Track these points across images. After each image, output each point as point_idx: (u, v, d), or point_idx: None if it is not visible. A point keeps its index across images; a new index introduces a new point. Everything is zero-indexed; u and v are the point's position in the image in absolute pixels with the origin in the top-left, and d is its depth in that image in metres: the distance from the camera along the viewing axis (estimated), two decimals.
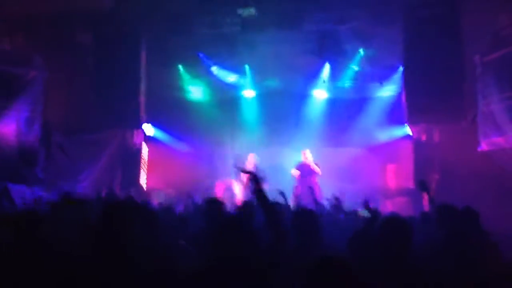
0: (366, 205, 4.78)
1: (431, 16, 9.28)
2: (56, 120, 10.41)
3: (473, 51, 8.65)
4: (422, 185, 5.26)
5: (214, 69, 11.99)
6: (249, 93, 12.60)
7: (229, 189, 11.34)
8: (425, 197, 7.81)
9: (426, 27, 9.32)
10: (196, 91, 12.39)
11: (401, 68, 10.23)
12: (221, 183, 11.59)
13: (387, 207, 10.15)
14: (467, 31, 9.02)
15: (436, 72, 9.06)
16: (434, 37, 9.18)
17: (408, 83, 9.74)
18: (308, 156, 10.85)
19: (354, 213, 6.92)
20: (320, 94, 12.20)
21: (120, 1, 9.53)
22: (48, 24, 9.52)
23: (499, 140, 7.66)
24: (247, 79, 12.25)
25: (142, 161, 11.76)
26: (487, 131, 7.93)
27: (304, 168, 10.71)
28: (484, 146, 8.00)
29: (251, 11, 8.99)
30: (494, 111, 7.72)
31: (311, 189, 8.01)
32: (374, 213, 4.93)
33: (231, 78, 12.28)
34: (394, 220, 3.38)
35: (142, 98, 10.96)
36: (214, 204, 4.91)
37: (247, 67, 11.92)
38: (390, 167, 11.25)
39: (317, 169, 10.58)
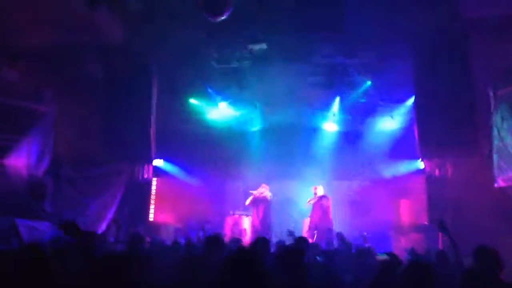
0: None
1: (441, 48, 9.24)
2: (66, 153, 10.37)
3: (485, 83, 8.55)
4: (441, 225, 5.10)
5: (223, 105, 11.97)
6: (258, 127, 12.58)
7: (237, 225, 11.19)
8: (444, 237, 7.65)
9: (436, 60, 9.28)
10: (206, 125, 12.34)
11: (411, 101, 10.12)
12: (231, 218, 11.45)
13: (401, 243, 9.93)
14: (477, 63, 8.94)
15: (447, 105, 8.97)
16: (445, 69, 9.13)
17: (419, 117, 9.65)
18: (319, 192, 10.72)
19: (368, 250, 6.74)
20: (329, 127, 12.15)
21: (131, 34, 9.60)
22: (58, 56, 9.57)
23: None
24: (257, 113, 12.21)
25: (151, 195, 11.67)
26: (503, 166, 7.75)
27: (316, 205, 10.59)
28: (500, 182, 7.81)
29: (262, 45, 9.01)
30: (510, 146, 7.56)
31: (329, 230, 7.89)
32: (395, 259, 4.78)
33: (239, 112, 12.25)
34: (418, 267, 3.22)
35: (153, 131, 10.92)
36: (214, 241, 4.87)
37: (256, 103, 11.90)
38: (403, 202, 11.05)
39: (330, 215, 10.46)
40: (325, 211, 10.35)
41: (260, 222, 11.05)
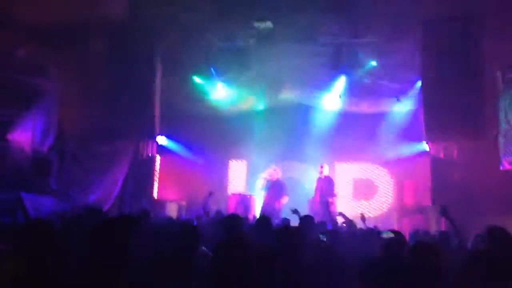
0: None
1: (450, 32, 9.15)
2: (71, 130, 10.39)
3: (494, 67, 8.47)
4: (443, 211, 5.11)
5: (224, 84, 11.86)
6: (262, 107, 12.50)
7: (242, 203, 11.21)
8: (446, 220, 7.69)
9: (445, 42, 9.19)
10: (209, 104, 12.27)
11: (418, 83, 10.03)
12: (235, 196, 11.49)
13: (404, 224, 9.98)
14: (486, 47, 8.86)
15: (455, 88, 8.90)
16: (453, 52, 9.05)
17: (426, 99, 9.57)
18: (325, 171, 10.67)
19: (371, 231, 6.76)
20: (335, 108, 12.05)
21: (135, 11, 9.52)
22: (63, 33, 9.52)
23: None
24: (261, 93, 12.13)
25: (155, 172, 11.70)
26: (510, 149, 7.73)
27: (321, 184, 10.53)
28: (506, 165, 7.81)
29: (268, 24, 8.91)
30: None
31: (326, 205, 7.86)
32: (400, 236, 4.79)
33: (242, 92, 12.17)
34: (424, 246, 3.22)
35: (157, 109, 10.90)
36: (235, 220, 4.91)
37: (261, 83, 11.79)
38: (407, 184, 11.06)
39: (334, 190, 10.42)
40: (329, 190, 10.32)
41: (274, 206, 10.87)
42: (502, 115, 7.93)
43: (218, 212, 8.65)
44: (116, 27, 10.19)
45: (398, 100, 10.91)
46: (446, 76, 9.03)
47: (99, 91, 10.73)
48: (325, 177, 10.55)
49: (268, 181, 10.99)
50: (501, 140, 7.94)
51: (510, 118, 7.72)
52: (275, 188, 10.75)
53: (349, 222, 7.44)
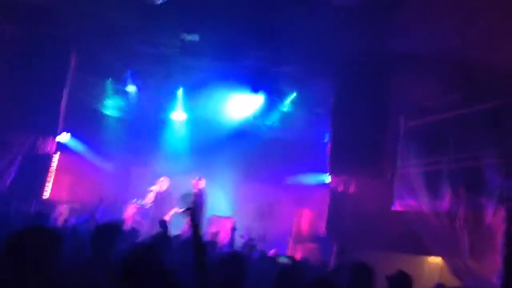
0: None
1: (363, 74, 9.71)
2: None
3: (397, 113, 9.15)
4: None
5: (132, 88, 11.54)
6: (178, 116, 12.33)
7: (140, 214, 10.89)
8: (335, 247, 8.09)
9: (357, 83, 9.75)
10: (120, 108, 11.86)
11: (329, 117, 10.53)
12: (133, 206, 11.12)
13: (298, 250, 10.31)
14: (394, 93, 9.56)
15: (361, 127, 9.45)
16: (363, 94, 9.61)
17: (333, 134, 10.05)
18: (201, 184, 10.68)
19: (268, 256, 6.89)
20: (248, 130, 12.24)
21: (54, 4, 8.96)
22: None
23: (412, 202, 8.08)
24: (178, 102, 11.97)
25: (50, 170, 10.95)
26: (402, 192, 8.34)
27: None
28: (397, 206, 8.40)
29: (194, 37, 8.85)
30: (411, 175, 8.16)
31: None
32: (294, 262, 4.92)
33: (159, 99, 11.93)
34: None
35: (63, 105, 10.24)
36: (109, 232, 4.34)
37: (181, 90, 11.64)
38: (306, 212, 11.45)
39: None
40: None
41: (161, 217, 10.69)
42: (399, 160, 8.57)
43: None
44: (32, 11, 9.46)
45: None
46: (354, 115, 9.54)
47: (3, 77, 9.84)
48: (199, 190, 10.54)
49: (157, 192, 10.88)
50: (396, 182, 8.55)
51: (406, 164, 8.36)
52: (163, 200, 10.63)
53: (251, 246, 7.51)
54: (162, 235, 5.32)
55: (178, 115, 12.34)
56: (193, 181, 10.59)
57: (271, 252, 7.15)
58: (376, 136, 9.31)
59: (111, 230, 4.31)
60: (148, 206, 10.96)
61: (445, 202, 7.18)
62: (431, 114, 7.97)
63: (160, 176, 11.27)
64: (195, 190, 10.44)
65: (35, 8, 8.90)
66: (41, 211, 7.71)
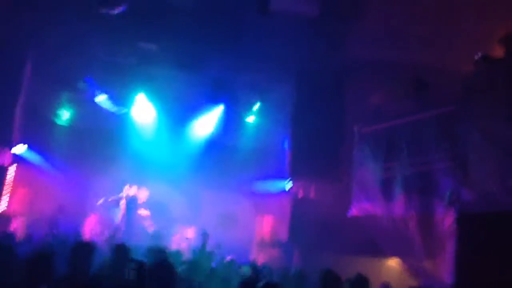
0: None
1: (320, 82, 9.96)
2: None
3: (353, 120, 9.40)
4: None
5: (101, 97, 11.42)
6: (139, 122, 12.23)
7: (101, 223, 10.74)
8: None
9: (315, 91, 9.97)
10: (77, 117, 11.67)
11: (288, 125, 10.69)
12: (94, 216, 10.96)
13: (260, 256, 10.38)
14: (350, 100, 9.84)
15: (319, 134, 9.67)
16: (321, 101, 9.84)
17: (292, 140, 10.24)
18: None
19: (230, 264, 6.93)
20: (208, 137, 12.27)
21: (7, 9, 8.75)
22: None
23: (368, 206, 8.30)
24: (138, 109, 11.86)
25: (6, 182, 10.61)
26: (359, 196, 8.55)
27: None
28: (354, 210, 8.61)
29: (152, 46, 8.84)
30: (366, 179, 8.38)
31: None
32: (257, 272, 4.99)
33: (116, 107, 11.81)
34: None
35: (18, 116, 9.97)
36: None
37: (143, 95, 11.55)
38: (267, 218, 11.55)
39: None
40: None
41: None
42: (356, 165, 8.78)
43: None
44: None
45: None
46: (312, 121, 9.73)
47: None
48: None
49: (120, 199, 10.80)
50: (353, 187, 8.76)
51: (362, 169, 8.58)
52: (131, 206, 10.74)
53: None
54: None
55: (139, 121, 12.23)
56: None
57: (228, 258, 7.18)
58: (333, 142, 9.56)
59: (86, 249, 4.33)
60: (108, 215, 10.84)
61: (399, 205, 7.42)
62: (385, 120, 8.22)
63: (120, 185, 11.16)
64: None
65: None
66: None
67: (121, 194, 10.99)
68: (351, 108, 9.58)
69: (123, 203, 10.89)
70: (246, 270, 5.40)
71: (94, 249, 4.41)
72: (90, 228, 10.73)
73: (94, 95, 11.37)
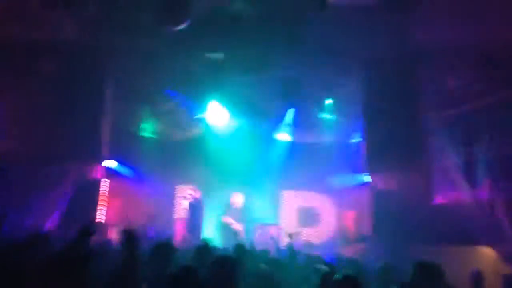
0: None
1: (392, 69, 9.67)
2: (11, 150, 10.02)
3: (429, 106, 9.05)
4: None
5: (179, 108, 11.95)
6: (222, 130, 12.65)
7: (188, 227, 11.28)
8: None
9: (387, 79, 9.70)
10: (159, 129, 12.30)
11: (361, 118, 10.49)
12: (181, 221, 11.53)
13: (345, 252, 10.30)
14: (422, 88, 9.48)
15: (394, 124, 9.39)
16: (395, 88, 9.56)
17: (367, 132, 10.04)
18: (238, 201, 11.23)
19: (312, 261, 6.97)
20: (283, 138, 12.41)
21: (85, 34, 9.47)
22: (8, 51, 9.32)
23: (452, 193, 7.97)
24: (214, 115, 12.26)
25: (101, 196, 11.47)
26: (442, 184, 8.23)
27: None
28: (438, 199, 8.29)
29: (220, 55, 9.12)
30: (448, 167, 8.04)
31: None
32: (332, 268, 5.01)
33: (196, 117, 12.28)
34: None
35: (105, 132, 10.75)
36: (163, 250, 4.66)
37: (216, 102, 11.92)
38: (349, 213, 11.44)
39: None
40: None
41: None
42: (436, 153, 8.45)
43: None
44: (67, 47, 10.03)
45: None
46: (386, 112, 9.51)
47: (44, 111, 10.42)
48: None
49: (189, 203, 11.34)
50: (435, 176, 8.44)
51: (443, 157, 8.24)
52: (197, 210, 11.17)
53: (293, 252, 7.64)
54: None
55: (215, 127, 12.63)
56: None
57: (314, 256, 7.21)
58: (409, 130, 9.23)
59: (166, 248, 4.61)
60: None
61: (484, 190, 7.06)
62: (461, 103, 7.84)
63: (203, 190, 11.69)
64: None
65: (67, 42, 9.40)
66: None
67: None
68: (425, 94, 9.22)
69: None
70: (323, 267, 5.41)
71: (173, 248, 4.68)
72: (180, 232, 11.33)
73: (172, 107, 11.91)
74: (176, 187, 12.73)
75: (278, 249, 9.12)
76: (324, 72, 10.23)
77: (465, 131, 7.63)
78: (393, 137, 9.31)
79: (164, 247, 4.73)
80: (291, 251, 7.67)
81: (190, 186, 11.95)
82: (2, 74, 9.67)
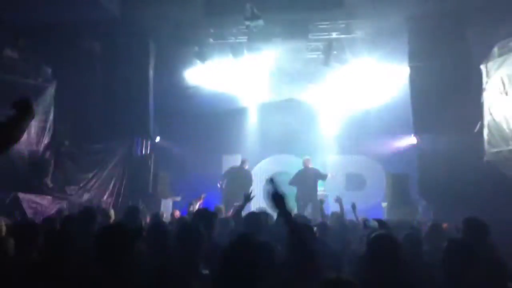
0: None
1: (436, 28, 9.32)
2: (66, 129, 10.53)
3: (477, 62, 8.69)
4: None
5: (219, 80, 12.01)
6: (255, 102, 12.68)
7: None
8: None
9: (431, 38, 9.36)
10: (202, 101, 12.45)
11: (407, 78, 10.20)
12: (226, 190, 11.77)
13: (392, 215, 10.22)
14: (471, 42, 9.10)
15: (441, 82, 9.11)
16: (439, 48, 9.21)
17: (414, 94, 9.77)
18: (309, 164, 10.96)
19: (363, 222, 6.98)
20: (326, 103, 12.29)
21: (127, 10, 9.63)
22: (55, 32, 9.61)
23: (505, 149, 7.69)
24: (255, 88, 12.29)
25: (151, 169, 11.82)
26: (493, 142, 7.96)
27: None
28: (490, 156, 8.03)
29: (259, 22, 9.05)
30: (500, 122, 7.75)
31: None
32: (383, 224, 5.01)
33: (235, 88, 12.32)
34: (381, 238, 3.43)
35: (151, 107, 11.02)
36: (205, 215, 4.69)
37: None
38: (396, 176, 11.27)
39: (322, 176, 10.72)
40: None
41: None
42: (486, 108, 8.15)
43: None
44: (108, 26, 10.24)
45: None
46: (433, 71, 9.21)
47: (93, 90, 10.81)
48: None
49: (231, 172, 11.39)
50: (485, 132, 8.16)
51: (494, 111, 7.94)
52: (241, 179, 11.18)
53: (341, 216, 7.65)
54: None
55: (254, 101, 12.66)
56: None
57: (361, 219, 7.21)
58: (458, 89, 8.91)
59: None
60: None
61: None
62: None
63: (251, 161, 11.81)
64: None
65: (110, 21, 9.59)
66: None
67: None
68: (474, 49, 8.84)
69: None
70: (373, 223, 5.42)
71: (215, 215, 4.81)
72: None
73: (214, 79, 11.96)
74: (222, 156, 12.95)
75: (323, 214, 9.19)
76: (365, 32, 9.98)
77: None
78: (440, 95, 9.04)
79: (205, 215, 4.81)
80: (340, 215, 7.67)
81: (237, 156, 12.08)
82: (51, 56, 10.04)
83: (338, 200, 7.95)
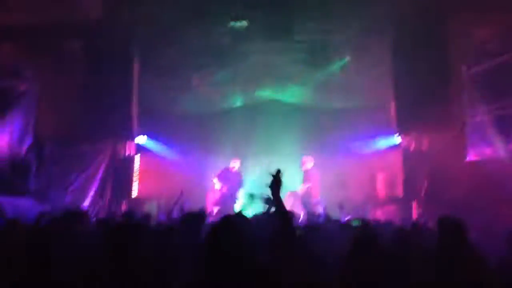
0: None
1: (420, 28, 9.45)
2: (48, 131, 10.38)
3: (459, 62, 8.82)
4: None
5: (202, 82, 11.97)
6: (238, 104, 12.67)
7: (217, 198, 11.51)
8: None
9: (415, 38, 9.49)
10: (186, 103, 12.40)
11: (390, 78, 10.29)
12: (212, 193, 11.75)
13: (377, 215, 10.31)
14: (454, 42, 9.23)
15: (424, 82, 9.23)
16: (423, 47, 9.35)
17: (397, 93, 9.88)
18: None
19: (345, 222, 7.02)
20: (310, 103, 12.33)
21: (109, 11, 9.55)
22: (36, 34, 9.50)
23: (487, 150, 7.81)
24: (237, 90, 12.27)
25: (135, 171, 11.75)
26: (475, 142, 8.08)
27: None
28: (472, 156, 8.15)
29: (243, 23, 9.05)
30: (482, 122, 7.87)
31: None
32: (365, 223, 5.06)
33: (219, 90, 12.29)
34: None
35: (134, 109, 10.94)
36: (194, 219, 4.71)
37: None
38: (380, 176, 11.38)
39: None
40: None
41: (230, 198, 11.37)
42: (467, 108, 8.27)
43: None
44: (91, 26, 10.13)
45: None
46: (415, 71, 9.33)
47: (75, 92, 10.67)
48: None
49: (226, 172, 11.51)
50: (467, 132, 8.28)
51: (475, 111, 8.06)
52: (234, 179, 11.35)
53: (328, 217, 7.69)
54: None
55: (237, 103, 12.67)
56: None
57: (346, 219, 7.26)
58: (440, 88, 9.05)
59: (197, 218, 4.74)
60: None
61: None
62: (494, 55, 7.58)
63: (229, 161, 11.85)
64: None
65: (92, 22, 9.51)
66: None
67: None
68: (456, 50, 8.97)
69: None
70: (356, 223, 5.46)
71: (205, 218, 4.80)
72: (210, 203, 11.57)
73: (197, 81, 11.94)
74: (209, 159, 12.92)
75: (311, 214, 9.21)
76: (350, 33, 10.03)
77: (499, 84, 7.40)
78: (423, 95, 9.17)
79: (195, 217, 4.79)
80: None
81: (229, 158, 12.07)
82: (33, 58, 9.91)
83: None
